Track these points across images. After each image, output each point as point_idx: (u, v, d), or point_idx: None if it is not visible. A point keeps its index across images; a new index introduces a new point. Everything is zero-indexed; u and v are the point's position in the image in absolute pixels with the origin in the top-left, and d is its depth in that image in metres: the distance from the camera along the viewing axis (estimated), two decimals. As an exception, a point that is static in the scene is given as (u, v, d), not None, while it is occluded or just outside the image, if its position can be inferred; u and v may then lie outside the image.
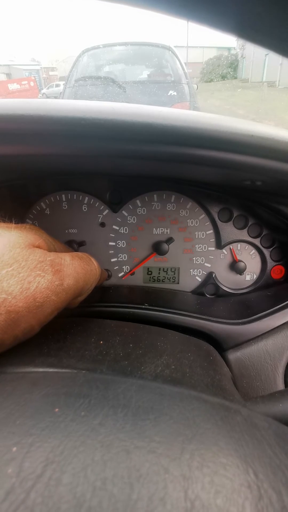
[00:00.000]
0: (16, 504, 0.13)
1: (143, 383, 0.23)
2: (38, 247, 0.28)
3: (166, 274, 0.59)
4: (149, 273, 0.59)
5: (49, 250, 0.31)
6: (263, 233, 0.56)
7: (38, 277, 0.25)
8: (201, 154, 0.31)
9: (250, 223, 0.56)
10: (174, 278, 0.59)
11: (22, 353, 0.26)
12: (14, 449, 0.15)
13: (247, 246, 0.57)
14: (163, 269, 0.59)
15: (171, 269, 0.59)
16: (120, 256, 0.58)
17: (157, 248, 0.56)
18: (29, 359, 0.25)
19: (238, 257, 0.57)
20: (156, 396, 0.21)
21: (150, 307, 0.47)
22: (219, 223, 0.56)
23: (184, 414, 0.19)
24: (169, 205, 0.56)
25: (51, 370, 0.24)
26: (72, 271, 0.30)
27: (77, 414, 0.18)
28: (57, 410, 0.18)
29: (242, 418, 0.20)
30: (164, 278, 0.59)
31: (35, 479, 0.14)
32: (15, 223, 0.30)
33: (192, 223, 0.56)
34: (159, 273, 0.59)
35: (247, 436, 0.18)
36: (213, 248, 0.57)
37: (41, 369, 0.24)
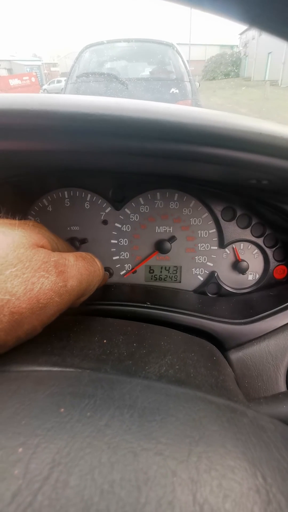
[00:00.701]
0: (23, 507, 0.13)
1: (148, 383, 0.22)
2: (42, 246, 0.28)
3: (168, 272, 0.59)
4: (151, 271, 0.59)
5: (53, 250, 0.30)
6: (266, 233, 0.56)
7: (42, 278, 0.25)
8: (209, 152, 0.30)
9: (253, 222, 0.55)
10: (176, 276, 0.59)
11: (25, 351, 0.26)
12: (20, 450, 0.15)
13: (250, 246, 0.57)
14: (165, 267, 0.59)
15: (173, 267, 0.58)
16: (122, 254, 0.58)
17: (160, 247, 0.56)
18: (32, 357, 0.25)
19: (241, 257, 0.57)
20: (161, 396, 0.20)
21: (151, 306, 0.47)
22: (222, 222, 0.55)
23: (190, 415, 0.19)
24: (172, 203, 0.55)
25: (54, 369, 0.24)
26: (76, 272, 0.29)
27: (82, 415, 0.18)
28: (62, 410, 0.18)
29: (248, 420, 0.20)
30: (166, 276, 0.59)
31: (42, 481, 0.14)
32: (18, 220, 0.30)
33: (195, 222, 0.56)
34: (161, 271, 0.59)
35: (254, 438, 0.18)
36: (216, 247, 0.57)
37: (44, 368, 0.24)
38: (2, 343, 0.24)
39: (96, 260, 0.36)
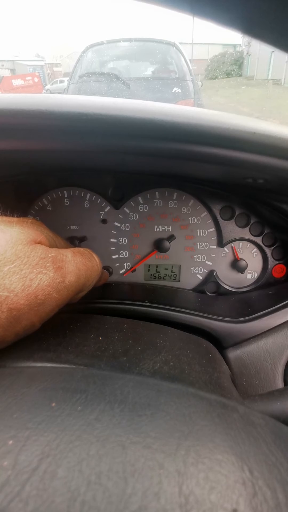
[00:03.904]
0: (11, 496, 0.13)
1: (141, 379, 0.23)
2: (40, 243, 0.28)
3: (167, 271, 0.59)
4: (150, 270, 0.59)
5: (51, 246, 0.30)
6: (265, 232, 0.56)
7: (40, 274, 0.25)
8: (202, 151, 0.31)
9: (252, 221, 0.55)
10: (175, 275, 0.59)
11: (21, 348, 0.26)
12: (10, 442, 0.15)
13: (249, 245, 0.57)
14: (164, 266, 0.59)
15: (172, 266, 0.59)
16: (122, 253, 0.58)
17: (159, 246, 0.56)
18: (27, 354, 0.25)
19: (240, 256, 0.57)
20: (153, 392, 0.21)
21: (150, 304, 0.47)
22: (221, 221, 0.55)
23: (181, 410, 0.19)
24: (171, 202, 0.55)
25: (49, 365, 0.24)
26: (74, 267, 0.29)
27: (73, 409, 0.18)
28: (54, 404, 0.18)
29: (239, 415, 0.20)
30: (165, 275, 0.59)
31: (30, 472, 0.14)
32: (16, 217, 0.30)
33: (193, 221, 0.56)
34: (160, 270, 0.59)
35: (243, 433, 0.18)
36: (215, 246, 0.57)
37: (39, 364, 0.24)
38: (1, 339, 0.24)
39: (94, 255, 0.36)
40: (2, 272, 0.23)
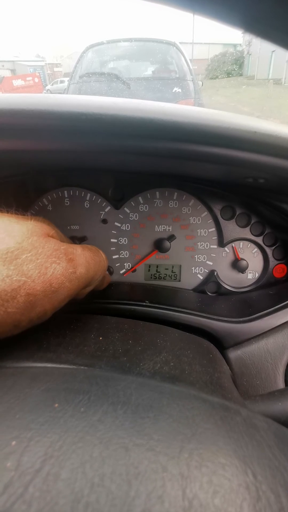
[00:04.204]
0: (14, 498, 0.13)
1: (143, 380, 0.22)
2: (52, 237, 0.30)
3: (168, 271, 0.59)
4: (151, 270, 0.59)
5: (61, 241, 0.32)
6: (266, 232, 0.56)
7: (54, 264, 0.27)
8: (202, 151, 0.30)
9: (252, 221, 0.55)
10: (175, 275, 0.59)
11: (21, 347, 0.26)
12: (14, 443, 0.15)
13: (250, 245, 0.57)
14: (165, 266, 0.59)
15: (172, 266, 0.59)
16: (122, 253, 0.58)
17: (159, 246, 0.56)
18: (28, 353, 0.25)
19: (240, 255, 0.57)
20: (155, 394, 0.21)
21: (151, 304, 0.47)
22: (221, 221, 0.55)
23: (184, 413, 0.19)
24: (171, 202, 0.55)
25: (49, 365, 0.24)
26: (84, 260, 0.31)
27: (76, 410, 0.18)
28: (56, 405, 0.18)
29: (241, 418, 0.20)
30: (165, 275, 0.59)
31: (33, 474, 0.14)
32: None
33: (194, 221, 0.56)
34: (160, 270, 0.59)
35: (246, 436, 0.18)
36: (215, 246, 0.57)
37: (40, 364, 0.24)
38: (17, 323, 0.25)
39: (101, 251, 0.37)
40: (20, 260, 0.24)
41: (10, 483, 0.13)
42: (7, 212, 0.30)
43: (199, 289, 0.59)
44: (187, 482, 0.15)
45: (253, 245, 0.57)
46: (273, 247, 0.56)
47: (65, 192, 0.55)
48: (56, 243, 0.28)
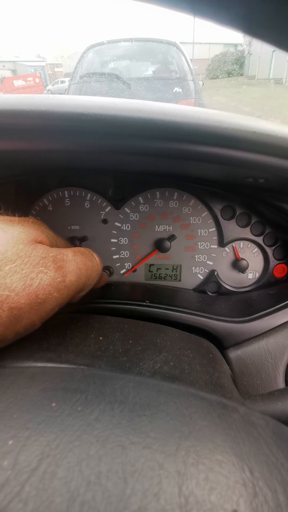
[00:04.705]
0: (11, 497, 0.13)
1: (141, 379, 0.23)
2: (41, 242, 0.29)
3: (168, 271, 0.59)
4: (151, 270, 0.59)
5: (51, 246, 0.31)
6: (266, 231, 0.56)
7: (41, 274, 0.25)
8: (202, 151, 0.31)
9: (253, 221, 0.55)
10: (176, 275, 0.59)
11: (21, 347, 0.26)
12: (10, 442, 0.15)
13: (250, 244, 0.57)
14: (165, 266, 0.59)
15: (173, 266, 0.59)
16: (122, 253, 0.58)
17: (159, 246, 0.56)
18: (28, 353, 0.25)
19: (241, 255, 0.57)
20: (153, 392, 0.21)
21: (151, 304, 0.47)
22: (221, 220, 0.55)
23: (181, 410, 0.19)
24: (171, 202, 0.55)
25: (49, 365, 0.24)
26: (74, 267, 0.30)
27: (73, 409, 0.18)
28: (54, 404, 0.18)
29: (239, 415, 0.20)
30: (165, 275, 0.59)
31: (30, 472, 0.14)
32: (17, 217, 0.30)
33: (194, 221, 0.56)
34: (161, 270, 0.59)
35: (244, 434, 0.18)
36: (216, 246, 0.57)
37: (40, 364, 0.24)
38: (1, 338, 0.24)
39: (95, 254, 0.36)
40: (3, 272, 0.23)
41: (6, 482, 0.13)
42: None
43: (200, 289, 0.59)
44: (183, 479, 0.15)
45: (253, 245, 0.57)
46: (274, 247, 0.56)
47: (66, 192, 0.55)
48: (44, 250, 0.27)
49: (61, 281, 0.27)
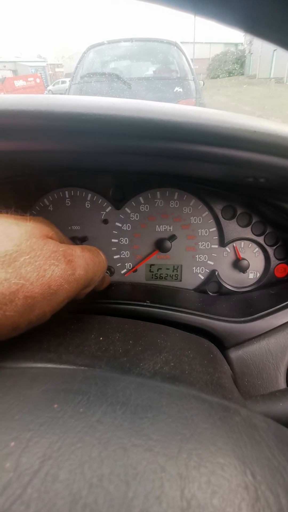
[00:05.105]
0: (13, 499, 0.13)
1: (143, 381, 0.22)
2: (51, 238, 0.30)
3: (169, 271, 0.59)
4: (152, 270, 0.59)
5: (60, 242, 0.31)
6: (267, 231, 0.56)
7: (53, 266, 0.27)
8: (202, 150, 0.30)
9: (254, 221, 0.55)
10: (176, 275, 0.59)
11: (22, 348, 0.26)
12: (12, 444, 0.15)
13: (251, 244, 0.57)
14: (166, 266, 0.59)
15: (173, 266, 0.59)
16: (123, 253, 0.58)
17: (160, 246, 0.56)
18: (29, 354, 0.25)
19: (242, 255, 0.57)
20: (155, 394, 0.21)
21: (152, 304, 0.47)
22: (222, 220, 0.55)
23: (183, 413, 0.19)
24: (172, 202, 0.55)
25: (50, 365, 0.24)
26: (83, 262, 0.31)
27: (75, 411, 0.18)
28: (56, 406, 0.18)
29: (241, 418, 0.20)
30: (166, 275, 0.59)
31: (32, 475, 0.14)
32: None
33: (195, 221, 0.56)
34: (161, 270, 0.59)
35: (245, 436, 0.18)
36: (216, 246, 0.57)
37: (40, 365, 0.24)
38: (15, 326, 0.25)
39: (100, 252, 0.37)
40: (18, 262, 0.24)
41: (8, 484, 0.13)
42: (6, 213, 0.30)
43: (200, 289, 0.59)
44: (185, 482, 0.15)
45: (254, 245, 0.57)
46: (275, 247, 0.56)
47: (66, 192, 0.55)
48: (55, 245, 0.28)
49: (71, 273, 0.29)
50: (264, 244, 0.56)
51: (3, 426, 0.16)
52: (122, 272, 0.59)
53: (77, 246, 0.33)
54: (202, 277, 0.59)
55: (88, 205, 0.56)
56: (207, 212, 0.55)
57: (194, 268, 0.58)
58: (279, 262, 0.57)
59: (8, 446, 0.15)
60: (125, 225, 0.57)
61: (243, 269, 0.56)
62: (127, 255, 0.58)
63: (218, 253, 0.57)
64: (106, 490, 0.14)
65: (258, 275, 0.58)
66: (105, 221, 0.56)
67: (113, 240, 0.57)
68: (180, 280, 0.59)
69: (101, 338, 0.30)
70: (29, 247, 0.26)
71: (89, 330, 0.32)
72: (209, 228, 0.56)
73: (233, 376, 0.36)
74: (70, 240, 0.41)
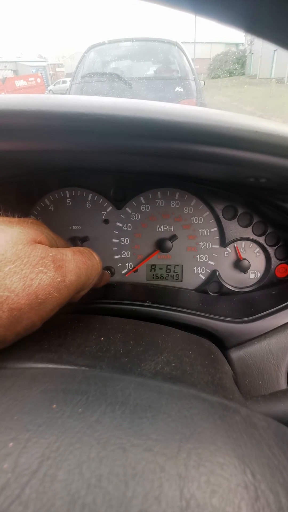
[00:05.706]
0: (11, 499, 0.13)
1: (142, 380, 0.22)
2: (40, 242, 0.28)
3: (170, 271, 0.59)
4: (153, 270, 0.59)
5: (51, 246, 0.31)
6: (268, 231, 0.55)
7: (41, 274, 0.25)
8: (203, 151, 0.30)
9: (254, 221, 0.55)
10: (177, 275, 0.59)
11: (22, 348, 0.26)
12: (11, 444, 0.15)
13: (252, 244, 0.57)
14: (167, 266, 0.59)
15: (174, 266, 0.58)
16: (124, 253, 0.58)
17: (161, 246, 0.56)
18: (29, 354, 0.25)
19: (242, 255, 0.57)
20: (154, 394, 0.21)
21: (152, 305, 0.47)
22: (223, 220, 0.55)
23: (182, 412, 0.19)
24: (173, 202, 0.55)
25: (50, 366, 0.24)
26: (74, 266, 0.30)
27: (74, 411, 0.18)
28: (54, 406, 0.18)
29: (241, 417, 0.20)
30: (167, 275, 0.59)
31: (30, 475, 0.14)
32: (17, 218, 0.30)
33: (196, 221, 0.56)
34: (162, 270, 0.59)
35: (245, 435, 0.18)
36: (217, 246, 0.57)
37: (40, 365, 0.24)
38: (2, 339, 0.24)
39: (94, 254, 0.36)
40: (2, 272, 0.23)
41: (6, 485, 0.13)
42: None
43: (201, 289, 0.59)
44: (184, 482, 0.14)
45: (255, 245, 0.57)
46: (275, 247, 0.56)
47: (67, 192, 0.55)
48: (44, 250, 0.27)
49: (61, 280, 0.27)
50: (265, 244, 0.56)
51: (1, 427, 0.16)
52: (123, 272, 0.59)
53: (68, 249, 0.31)
54: (203, 277, 0.58)
55: (89, 205, 0.56)
56: (208, 212, 0.55)
57: (195, 268, 0.58)
58: (280, 262, 0.57)
59: (7, 447, 0.15)
60: (126, 225, 0.57)
61: (244, 269, 0.56)
62: (128, 255, 0.58)
63: (219, 253, 0.57)
64: (105, 490, 0.14)
65: (259, 275, 0.58)
66: (106, 221, 0.56)
67: (114, 240, 0.57)
68: (181, 280, 0.59)
69: (102, 339, 0.30)
70: (15, 255, 0.24)
71: (90, 331, 0.32)
72: (210, 228, 0.56)
73: (234, 376, 0.36)
74: (68, 241, 0.40)
